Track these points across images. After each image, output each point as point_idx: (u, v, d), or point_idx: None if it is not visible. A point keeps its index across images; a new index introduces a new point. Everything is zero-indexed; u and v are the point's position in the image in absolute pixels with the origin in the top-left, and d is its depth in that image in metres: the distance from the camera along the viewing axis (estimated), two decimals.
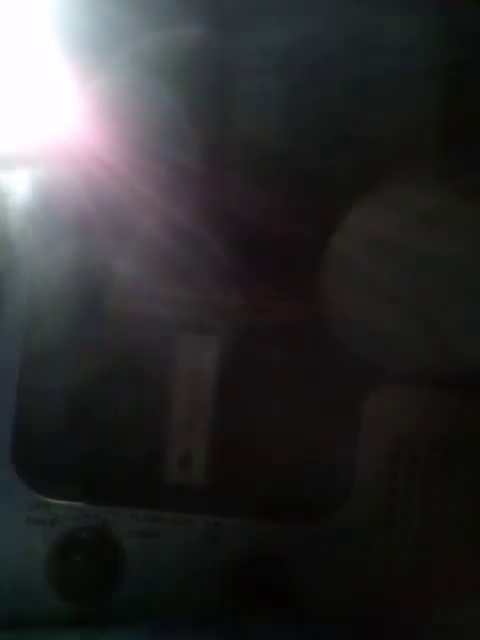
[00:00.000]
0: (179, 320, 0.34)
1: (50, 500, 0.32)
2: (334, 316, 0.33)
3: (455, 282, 0.33)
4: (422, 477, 0.33)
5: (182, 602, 0.32)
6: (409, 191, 0.33)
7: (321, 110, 0.34)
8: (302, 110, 0.34)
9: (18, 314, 0.33)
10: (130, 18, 0.33)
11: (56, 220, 0.33)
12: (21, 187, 0.34)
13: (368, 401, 0.33)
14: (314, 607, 0.32)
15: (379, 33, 0.33)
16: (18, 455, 0.32)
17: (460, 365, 0.33)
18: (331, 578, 0.32)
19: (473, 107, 0.34)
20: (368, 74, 0.33)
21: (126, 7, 0.33)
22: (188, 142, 0.34)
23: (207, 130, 0.34)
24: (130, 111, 0.34)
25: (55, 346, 0.33)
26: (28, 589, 0.32)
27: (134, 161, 0.33)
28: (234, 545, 0.32)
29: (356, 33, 0.33)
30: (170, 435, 0.33)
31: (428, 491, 0.33)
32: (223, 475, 0.33)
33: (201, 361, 0.33)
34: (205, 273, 0.34)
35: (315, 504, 0.33)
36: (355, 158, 0.34)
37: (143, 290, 0.33)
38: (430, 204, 0.33)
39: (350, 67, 0.33)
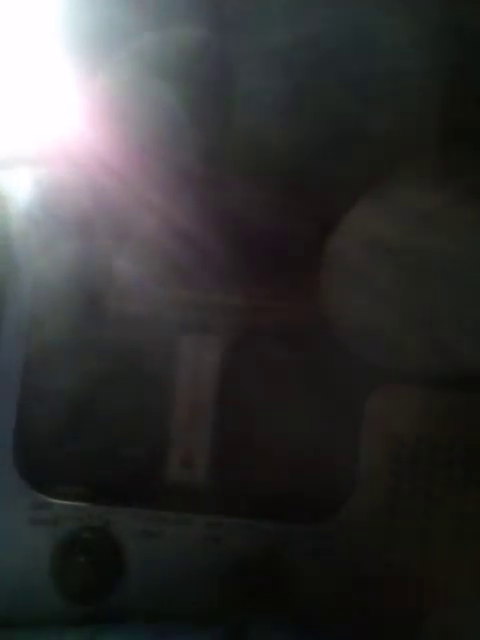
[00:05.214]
0: (180, 320, 0.34)
1: (52, 500, 0.32)
2: (335, 316, 0.33)
3: (455, 282, 0.33)
4: (424, 477, 0.33)
5: (183, 602, 0.32)
6: (409, 191, 0.33)
7: (321, 110, 0.34)
8: (302, 110, 0.34)
9: (20, 316, 0.33)
10: (131, 18, 0.33)
11: (58, 221, 0.34)
12: (23, 188, 0.34)
13: (369, 401, 0.33)
14: (314, 607, 0.33)
15: (379, 34, 0.33)
16: (21, 456, 0.32)
17: (460, 365, 0.33)
18: (331, 578, 0.33)
19: (473, 107, 0.34)
20: (368, 74, 0.33)
21: (126, 7, 0.33)
22: (188, 142, 0.34)
23: (207, 130, 0.34)
24: (131, 111, 0.34)
25: (57, 347, 0.33)
26: (31, 589, 0.32)
27: (135, 161, 0.33)
28: (235, 545, 0.33)
29: (356, 34, 0.33)
30: (172, 435, 0.33)
31: (429, 491, 0.33)
32: (224, 475, 0.33)
33: (202, 361, 0.34)
34: (206, 273, 0.34)
35: (316, 504, 0.33)
36: (355, 158, 0.34)
37: (144, 291, 0.34)
38: (430, 204, 0.33)
39: (350, 68, 0.33)
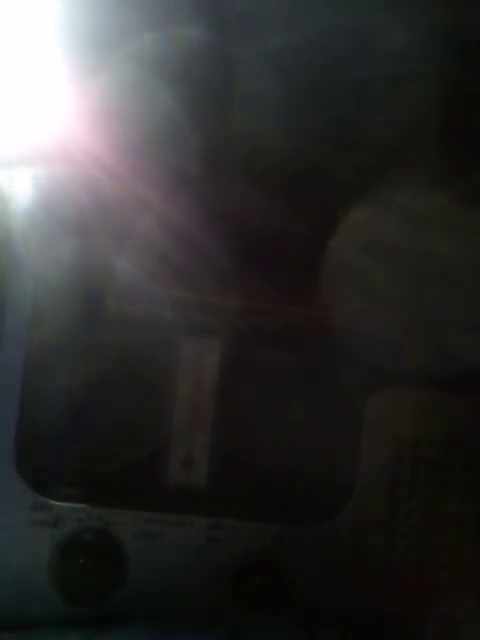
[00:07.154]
0: (181, 322, 0.34)
1: (53, 502, 0.32)
2: (335, 318, 0.33)
3: (455, 284, 0.33)
4: (423, 479, 0.33)
5: (184, 603, 0.32)
6: (408, 193, 0.33)
7: (320, 112, 0.34)
8: (302, 112, 0.34)
9: (21, 317, 0.33)
10: (130, 18, 0.33)
11: (58, 222, 0.33)
12: (22, 188, 0.34)
13: (369, 403, 0.33)
14: (314, 607, 0.33)
15: (379, 36, 0.33)
16: (21, 457, 0.32)
17: (460, 367, 0.33)
18: (331, 579, 0.33)
19: (472, 110, 0.34)
20: (368, 77, 0.33)
21: (126, 7, 0.33)
22: (187, 143, 0.34)
23: (207, 131, 0.34)
24: (130, 111, 0.34)
25: (58, 348, 0.33)
26: (31, 590, 0.32)
27: (134, 162, 0.33)
28: (235, 547, 0.33)
29: (356, 36, 0.33)
30: (172, 437, 0.33)
31: (429, 493, 0.33)
32: (225, 477, 0.33)
33: (203, 363, 0.34)
34: (207, 275, 0.34)
35: (316, 506, 0.33)
36: (355, 160, 0.34)
37: (144, 292, 0.34)
38: (429, 206, 0.33)
39: (350, 70, 0.33)
